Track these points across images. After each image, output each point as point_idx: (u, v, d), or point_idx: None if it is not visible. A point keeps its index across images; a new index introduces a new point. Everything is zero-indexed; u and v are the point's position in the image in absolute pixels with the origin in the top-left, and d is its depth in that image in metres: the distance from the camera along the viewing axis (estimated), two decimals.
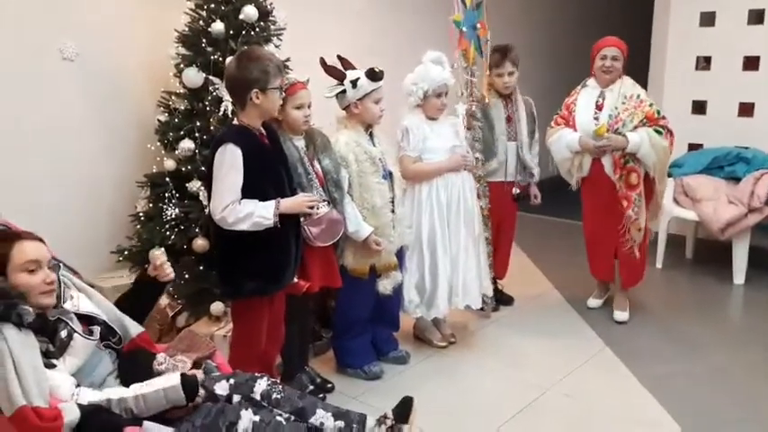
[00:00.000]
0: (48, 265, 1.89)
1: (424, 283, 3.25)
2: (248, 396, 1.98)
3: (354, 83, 2.84)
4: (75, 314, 1.94)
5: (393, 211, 2.99)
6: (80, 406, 1.73)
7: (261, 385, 2.02)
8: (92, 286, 2.19)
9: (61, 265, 2.03)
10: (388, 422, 2.18)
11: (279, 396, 2.02)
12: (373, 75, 2.85)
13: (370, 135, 2.98)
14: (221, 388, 1.98)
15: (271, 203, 2.36)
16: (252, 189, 2.34)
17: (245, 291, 2.45)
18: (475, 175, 3.50)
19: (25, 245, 1.87)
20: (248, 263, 2.42)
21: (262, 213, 2.34)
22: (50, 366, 1.77)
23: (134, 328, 2.07)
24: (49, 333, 1.82)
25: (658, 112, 3.52)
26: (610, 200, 3.57)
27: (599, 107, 3.56)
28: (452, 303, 3.29)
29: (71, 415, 1.69)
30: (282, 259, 2.49)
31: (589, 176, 3.64)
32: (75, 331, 1.87)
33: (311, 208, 2.52)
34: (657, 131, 3.47)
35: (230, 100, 2.95)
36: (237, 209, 2.31)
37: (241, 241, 2.37)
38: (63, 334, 1.84)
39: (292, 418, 1.98)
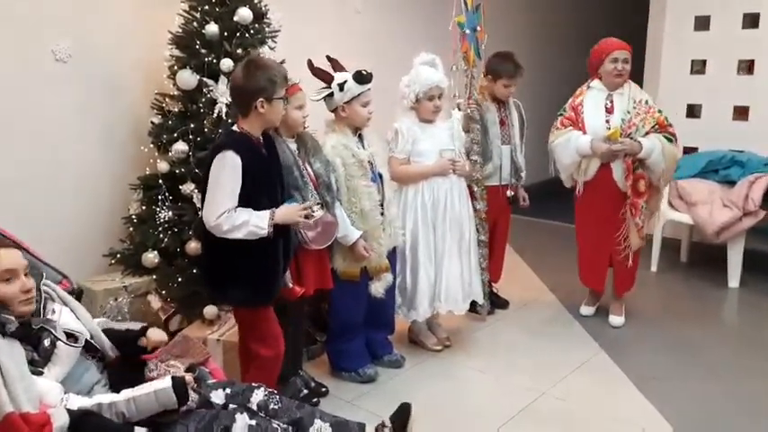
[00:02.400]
0: (24, 272, 1.85)
1: (405, 284, 3.25)
2: (245, 406, 1.95)
3: (342, 86, 2.83)
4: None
5: (383, 214, 2.98)
6: (69, 411, 1.70)
7: (258, 395, 2.00)
8: (80, 291, 2.16)
9: (44, 274, 1.99)
10: (386, 430, 2.17)
11: (276, 406, 1.99)
12: (360, 77, 2.83)
13: (360, 137, 2.96)
14: (217, 396, 1.95)
15: (265, 213, 2.34)
16: (246, 198, 2.33)
17: (229, 298, 2.46)
18: (473, 179, 3.49)
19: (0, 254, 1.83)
20: (234, 271, 2.40)
21: (257, 223, 2.31)
22: (37, 374, 1.75)
23: (113, 351, 2.05)
24: (33, 342, 1.80)
25: (667, 119, 3.48)
26: (611, 206, 3.52)
27: (608, 110, 3.49)
28: (434, 308, 3.28)
29: (60, 420, 1.66)
30: (269, 272, 2.45)
31: (592, 181, 3.55)
32: (59, 339, 1.84)
33: (306, 217, 2.50)
34: (668, 139, 3.44)
35: (224, 102, 2.95)
36: (233, 217, 2.29)
37: (230, 248, 2.34)
38: (46, 342, 1.82)
39: (290, 428, 1.95)
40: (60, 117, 3.12)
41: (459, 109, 3.53)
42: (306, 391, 2.89)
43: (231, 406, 1.93)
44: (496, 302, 3.95)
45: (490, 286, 3.85)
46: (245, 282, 2.41)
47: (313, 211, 2.53)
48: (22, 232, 2.11)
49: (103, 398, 1.80)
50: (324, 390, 2.96)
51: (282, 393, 2.43)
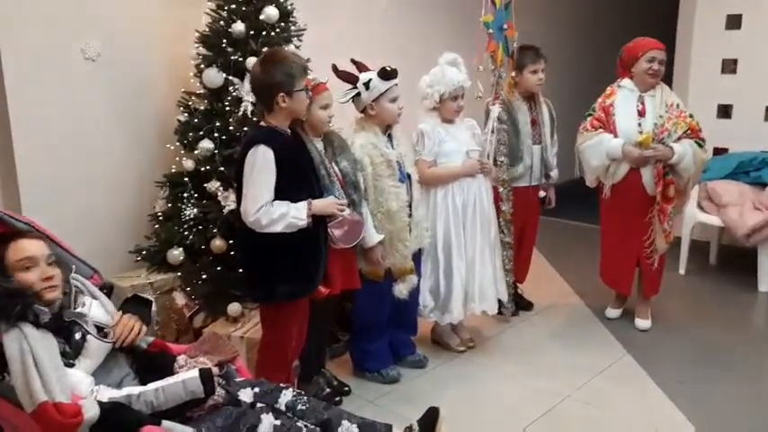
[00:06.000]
0: (46, 261, 1.90)
1: (438, 287, 3.22)
2: (273, 406, 1.95)
3: (367, 84, 2.82)
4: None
5: (410, 215, 2.96)
6: (100, 403, 1.73)
7: (286, 396, 2.00)
8: (111, 286, 2.19)
9: (73, 267, 2.02)
10: None
11: (304, 407, 1.99)
12: (385, 74, 2.82)
13: (389, 137, 2.95)
14: (246, 395, 1.96)
15: (303, 204, 2.36)
16: (283, 190, 2.33)
17: (279, 294, 2.43)
18: (499, 179, 3.45)
19: (20, 243, 1.89)
20: (281, 267, 2.41)
21: (295, 214, 2.33)
22: (68, 366, 1.78)
23: (143, 342, 2.07)
24: (65, 334, 1.83)
25: (698, 124, 3.41)
26: (638, 209, 3.46)
27: (640, 113, 3.41)
28: (469, 309, 3.26)
29: (91, 411, 1.69)
30: (314, 262, 2.48)
31: (620, 184, 3.49)
32: (90, 333, 1.87)
33: (340, 210, 2.51)
34: (699, 144, 3.38)
35: (250, 100, 2.97)
36: (271, 211, 2.30)
37: (273, 244, 2.35)
38: (77, 336, 1.85)
39: (317, 429, 1.95)
40: (88, 115, 3.16)
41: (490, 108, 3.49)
42: (328, 390, 2.89)
43: (259, 405, 1.94)
44: (521, 304, 3.91)
45: (515, 287, 3.82)
46: (292, 276, 2.43)
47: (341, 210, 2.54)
48: (49, 227, 2.13)
49: (133, 389, 1.83)
50: (346, 389, 2.96)
51: (305, 391, 2.44)
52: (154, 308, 2.15)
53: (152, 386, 1.83)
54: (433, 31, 5.01)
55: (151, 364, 2.00)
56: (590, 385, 3.04)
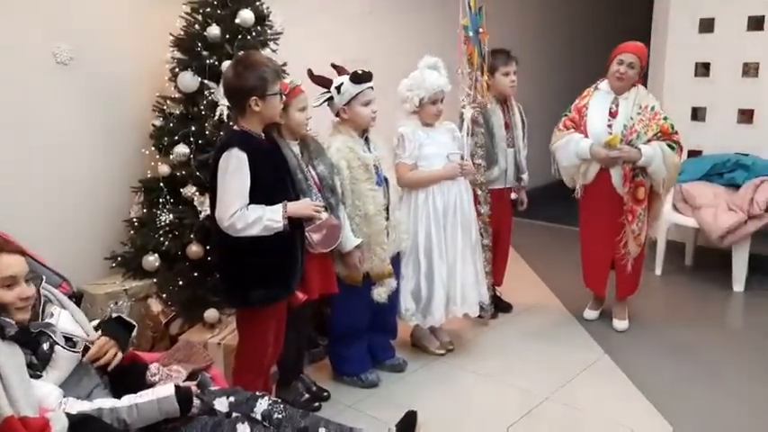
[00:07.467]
0: (25, 278, 1.85)
1: (419, 290, 3.21)
2: (248, 416, 1.93)
3: (339, 88, 2.81)
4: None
5: (387, 218, 2.95)
6: (69, 415, 1.69)
7: (262, 405, 1.97)
8: (80, 295, 2.15)
9: (43, 278, 1.98)
10: None
11: (280, 416, 1.96)
12: (357, 77, 2.80)
13: (366, 140, 2.95)
14: (221, 404, 1.93)
15: (278, 207, 2.34)
16: (259, 194, 2.31)
17: (253, 299, 2.41)
18: (476, 182, 3.47)
19: (3, 259, 1.82)
20: (256, 270, 2.39)
21: (271, 217, 2.31)
22: (35, 378, 1.74)
23: None
24: (32, 345, 1.79)
25: (672, 127, 3.43)
26: (611, 210, 3.50)
27: (612, 114, 3.44)
28: (450, 312, 3.26)
29: (59, 424, 1.65)
30: (289, 266, 2.46)
31: (592, 185, 3.54)
32: (58, 343, 1.83)
33: (317, 212, 2.50)
34: (671, 147, 3.40)
35: (226, 104, 2.94)
36: (246, 214, 2.28)
37: (248, 248, 2.33)
38: (45, 346, 1.81)
39: None
40: (61, 119, 3.10)
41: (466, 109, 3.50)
42: (307, 396, 2.87)
43: (234, 414, 1.91)
44: (500, 306, 3.92)
45: (493, 290, 3.83)
46: (267, 280, 2.41)
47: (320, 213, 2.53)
48: (22, 235, 2.09)
49: (104, 402, 1.79)
50: (325, 394, 2.94)
51: (284, 397, 2.42)
52: (134, 333, 2.09)
53: (125, 402, 1.78)
54: (412, 35, 5.01)
55: (123, 374, 1.96)
56: (569, 386, 3.06)
